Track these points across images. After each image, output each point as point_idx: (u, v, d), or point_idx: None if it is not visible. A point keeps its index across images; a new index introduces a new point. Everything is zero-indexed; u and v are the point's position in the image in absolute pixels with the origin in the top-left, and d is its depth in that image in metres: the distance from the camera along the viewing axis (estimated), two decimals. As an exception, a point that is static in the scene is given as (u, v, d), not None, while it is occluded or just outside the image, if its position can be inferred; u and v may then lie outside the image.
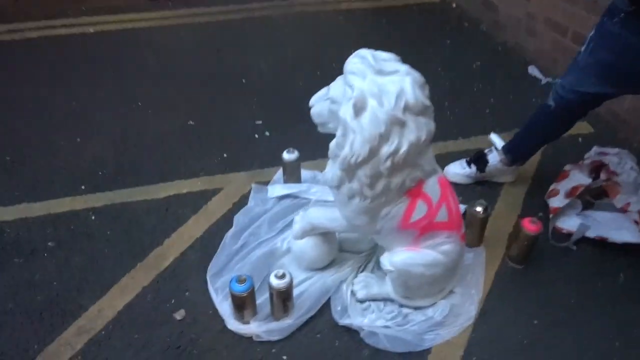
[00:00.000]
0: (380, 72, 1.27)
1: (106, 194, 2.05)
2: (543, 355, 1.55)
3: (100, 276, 1.73)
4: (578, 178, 1.94)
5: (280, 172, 2.13)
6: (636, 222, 1.80)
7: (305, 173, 2.11)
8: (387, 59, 1.31)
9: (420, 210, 1.43)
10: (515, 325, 1.63)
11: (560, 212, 1.92)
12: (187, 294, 1.68)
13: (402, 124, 1.27)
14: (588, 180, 1.92)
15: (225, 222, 1.93)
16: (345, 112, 1.28)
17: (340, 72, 1.34)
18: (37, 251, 1.81)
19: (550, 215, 1.93)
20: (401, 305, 1.64)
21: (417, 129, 1.29)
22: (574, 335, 1.61)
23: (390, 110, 1.24)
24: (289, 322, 1.57)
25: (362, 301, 1.66)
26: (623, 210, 1.85)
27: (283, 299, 1.54)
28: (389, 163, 1.30)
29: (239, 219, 1.93)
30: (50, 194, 2.05)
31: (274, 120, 2.51)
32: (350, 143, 1.29)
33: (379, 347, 1.55)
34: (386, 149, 1.28)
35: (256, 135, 2.41)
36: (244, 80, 2.81)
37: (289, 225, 1.90)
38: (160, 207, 2.00)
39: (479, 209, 1.78)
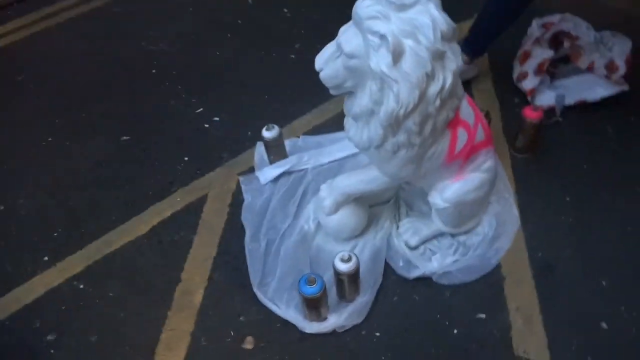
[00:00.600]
0: (402, 8, 1.12)
1: (79, 254, 1.69)
2: (593, 225, 1.65)
3: (133, 345, 1.46)
4: (540, 53, 1.99)
5: (259, 153, 1.92)
6: (605, 76, 1.92)
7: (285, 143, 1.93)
8: (398, -9, 1.15)
9: (462, 138, 1.37)
10: (554, 210, 1.70)
11: (536, 91, 1.98)
12: (241, 318, 1.50)
13: (442, 56, 1.16)
14: (551, 52, 1.98)
15: (234, 229, 1.71)
16: (379, 62, 1.13)
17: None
18: (39, 352, 1.46)
19: (529, 97, 1.99)
20: (453, 236, 1.62)
21: (455, 56, 1.19)
22: (605, 192, 1.73)
23: (430, 44, 1.12)
24: (364, 299, 1.48)
25: (416, 247, 1.60)
26: (589, 70, 1.95)
27: (354, 279, 1.43)
28: (438, 101, 1.19)
29: (246, 219, 1.72)
30: (10, 281, 1.63)
31: (213, 101, 2.22)
32: (394, 95, 1.15)
33: (455, 282, 1.53)
34: (434, 88, 1.17)
35: (206, 125, 2.13)
36: (154, 71, 2.43)
37: (301, 204, 1.75)
38: (152, 241, 1.71)
39: (481, 115, 1.76)
